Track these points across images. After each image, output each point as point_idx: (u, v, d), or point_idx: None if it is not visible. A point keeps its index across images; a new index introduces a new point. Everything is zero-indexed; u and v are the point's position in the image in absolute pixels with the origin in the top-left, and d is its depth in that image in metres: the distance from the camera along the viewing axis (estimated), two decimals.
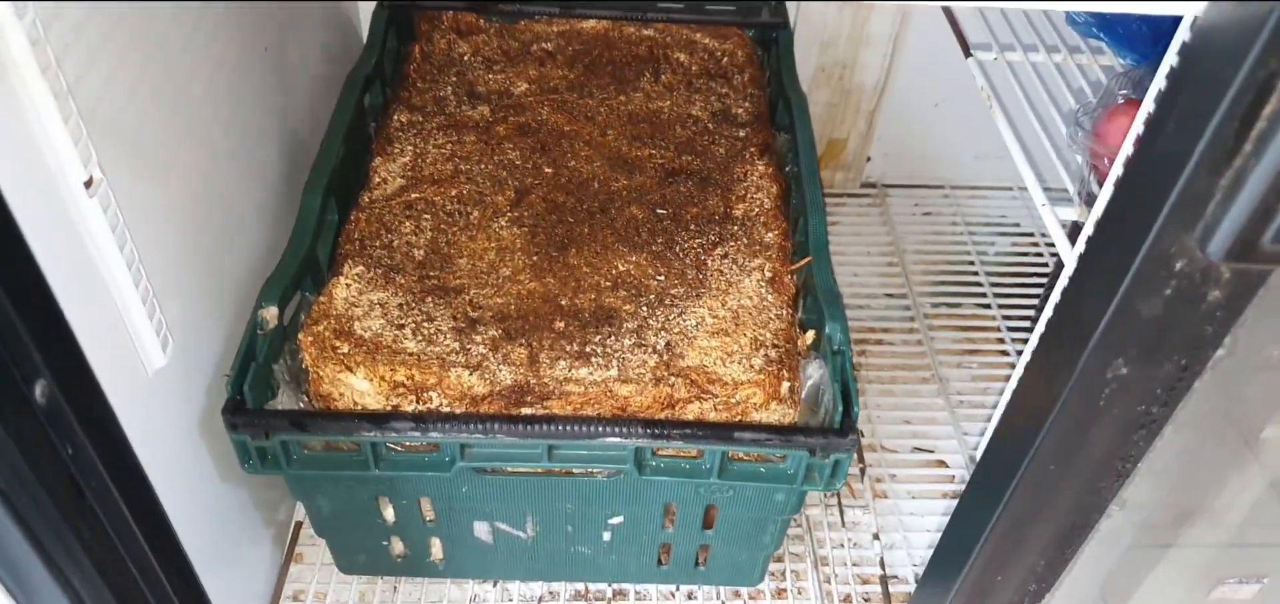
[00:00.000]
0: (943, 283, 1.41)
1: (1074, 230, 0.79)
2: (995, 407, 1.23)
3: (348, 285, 0.91)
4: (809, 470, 0.80)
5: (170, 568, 0.70)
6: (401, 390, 0.84)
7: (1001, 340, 1.32)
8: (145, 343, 0.70)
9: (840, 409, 0.79)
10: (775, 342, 0.86)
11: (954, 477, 1.16)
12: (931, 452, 1.19)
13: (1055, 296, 0.73)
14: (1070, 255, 0.73)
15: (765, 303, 0.90)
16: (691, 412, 0.83)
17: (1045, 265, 1.42)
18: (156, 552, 0.68)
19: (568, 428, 0.78)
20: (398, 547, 0.98)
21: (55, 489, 0.55)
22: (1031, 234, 1.48)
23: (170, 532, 0.71)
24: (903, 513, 1.13)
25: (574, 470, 0.86)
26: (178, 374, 0.78)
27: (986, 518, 0.64)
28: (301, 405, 0.87)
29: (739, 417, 0.83)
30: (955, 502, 1.14)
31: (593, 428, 0.78)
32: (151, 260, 0.70)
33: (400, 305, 0.90)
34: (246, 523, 0.98)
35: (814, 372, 0.85)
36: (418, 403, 0.84)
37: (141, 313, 0.68)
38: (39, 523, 0.54)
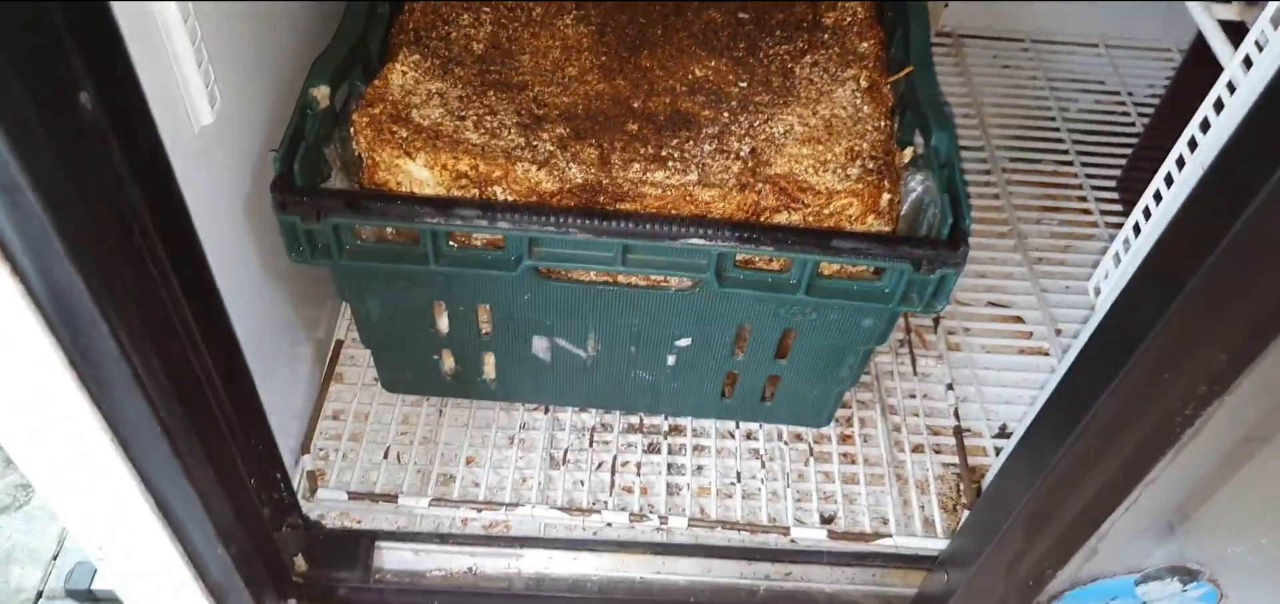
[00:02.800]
0: (1022, 138, 1.31)
1: (1239, 32, 0.69)
2: (1077, 266, 1.16)
3: (404, 72, 0.83)
4: (908, 289, 0.73)
5: (215, 345, 0.65)
6: (464, 182, 0.77)
7: (1084, 198, 1.24)
8: (193, 92, 0.62)
9: (950, 220, 0.71)
10: (873, 152, 0.78)
11: (1031, 333, 1.10)
12: (1008, 307, 1.12)
13: (1209, 112, 0.65)
14: (1233, 62, 0.64)
15: (861, 113, 0.82)
16: (779, 222, 0.76)
17: (1131, 124, 1.33)
18: (202, 324, 0.62)
19: (648, 226, 0.71)
20: (449, 363, 0.92)
21: (101, 217, 0.49)
22: (1117, 92, 1.38)
23: (219, 302, 0.65)
24: (977, 366, 1.06)
25: (643, 281, 0.79)
26: (226, 141, 0.71)
27: (1118, 362, 0.56)
28: None
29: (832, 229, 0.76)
30: (1032, 358, 1.08)
31: (675, 227, 0.71)
32: (202, 10, 0.63)
33: (460, 97, 0.82)
34: (287, 334, 0.92)
35: (916, 185, 0.77)
36: (481, 196, 0.77)
37: (190, 57, 0.61)
38: (85, 253, 0.48)
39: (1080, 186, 1.25)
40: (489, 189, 0.77)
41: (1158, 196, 0.68)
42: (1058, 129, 1.32)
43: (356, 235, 0.76)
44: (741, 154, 0.79)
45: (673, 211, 0.76)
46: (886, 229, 0.77)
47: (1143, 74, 1.40)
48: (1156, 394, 0.50)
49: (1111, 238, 1.17)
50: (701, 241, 0.71)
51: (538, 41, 0.89)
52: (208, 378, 0.65)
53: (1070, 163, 1.28)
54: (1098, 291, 0.76)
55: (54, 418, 0.54)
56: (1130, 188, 1.21)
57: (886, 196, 0.76)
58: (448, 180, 0.77)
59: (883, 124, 0.81)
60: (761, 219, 0.76)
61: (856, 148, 0.79)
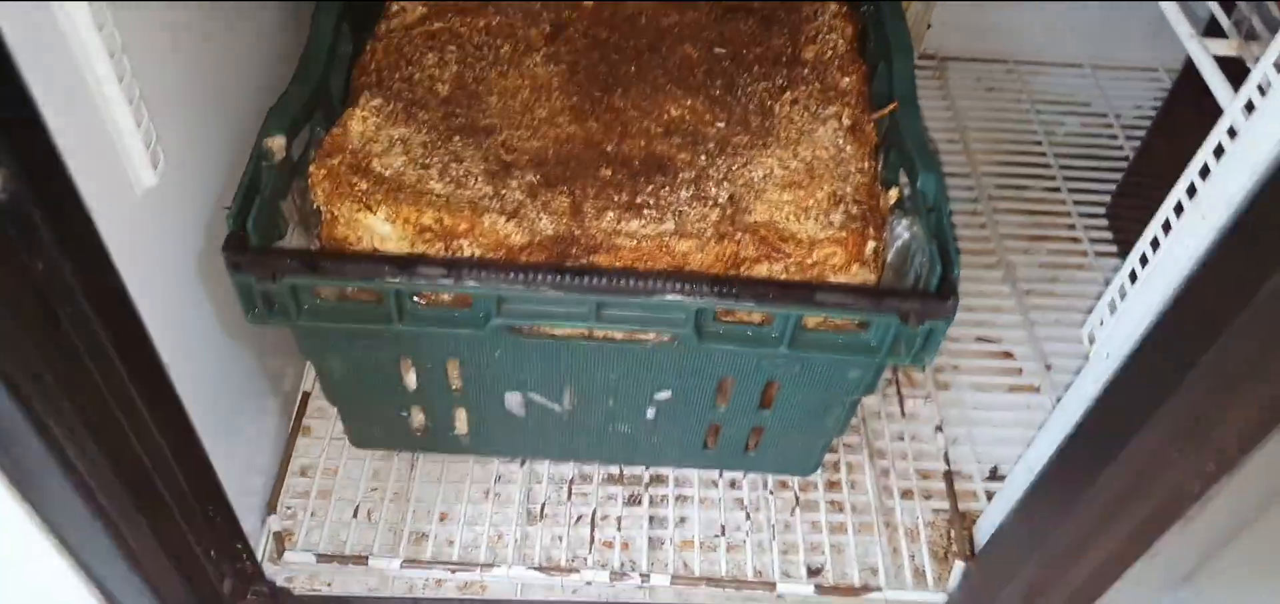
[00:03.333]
0: (1008, 163, 1.29)
1: (1236, 68, 0.66)
2: (1066, 297, 1.13)
3: (365, 118, 0.79)
4: (896, 341, 0.70)
5: (163, 420, 0.61)
6: (428, 236, 0.73)
7: (1072, 226, 1.21)
8: (133, 155, 0.59)
9: (938, 270, 0.68)
10: (856, 196, 0.75)
11: (1021, 370, 1.07)
12: (997, 342, 1.09)
13: (1208, 158, 0.61)
14: (1233, 105, 0.60)
15: (844, 154, 0.79)
16: (759, 272, 0.73)
17: (1119, 147, 1.30)
18: (148, 401, 0.58)
19: (623, 281, 0.67)
20: (418, 418, 0.88)
21: (21, 309, 0.45)
22: (1104, 115, 1.35)
23: (164, 376, 0.61)
24: (966, 406, 1.03)
25: (621, 335, 0.76)
26: (171, 201, 0.67)
27: (1123, 438, 0.53)
28: (313, 249, 0.76)
29: (815, 279, 0.73)
30: (1023, 395, 1.05)
31: (652, 282, 0.67)
32: (141, 63, 0.59)
33: (424, 143, 0.78)
34: (250, 389, 0.88)
35: (902, 231, 0.74)
36: (447, 250, 0.73)
37: (127, 116, 0.57)
38: (6, 355, 0.44)
39: (1068, 214, 1.22)
40: (455, 243, 0.73)
41: (1155, 243, 0.65)
42: (1044, 153, 1.30)
43: (315, 294, 0.72)
44: (719, 201, 0.76)
45: (649, 263, 0.72)
46: (872, 277, 0.74)
47: (1130, 96, 1.38)
48: (1167, 469, 0.47)
49: (1100, 267, 1.15)
50: (680, 296, 0.67)
51: (506, 82, 0.85)
52: (157, 457, 0.61)
53: (1057, 189, 1.25)
54: (1092, 340, 0.72)
55: None
56: (1120, 216, 1.19)
57: (871, 244, 0.73)
58: (411, 234, 0.73)
59: (866, 165, 0.78)
60: (742, 270, 0.73)
61: (839, 192, 0.75)
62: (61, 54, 0.52)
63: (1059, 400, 0.76)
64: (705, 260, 0.72)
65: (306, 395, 1.00)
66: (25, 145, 0.45)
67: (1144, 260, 0.66)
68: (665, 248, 0.73)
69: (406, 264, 0.67)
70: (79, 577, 0.56)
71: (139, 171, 0.60)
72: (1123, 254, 1.16)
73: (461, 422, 0.88)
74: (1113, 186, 1.22)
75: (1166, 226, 0.64)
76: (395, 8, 0.91)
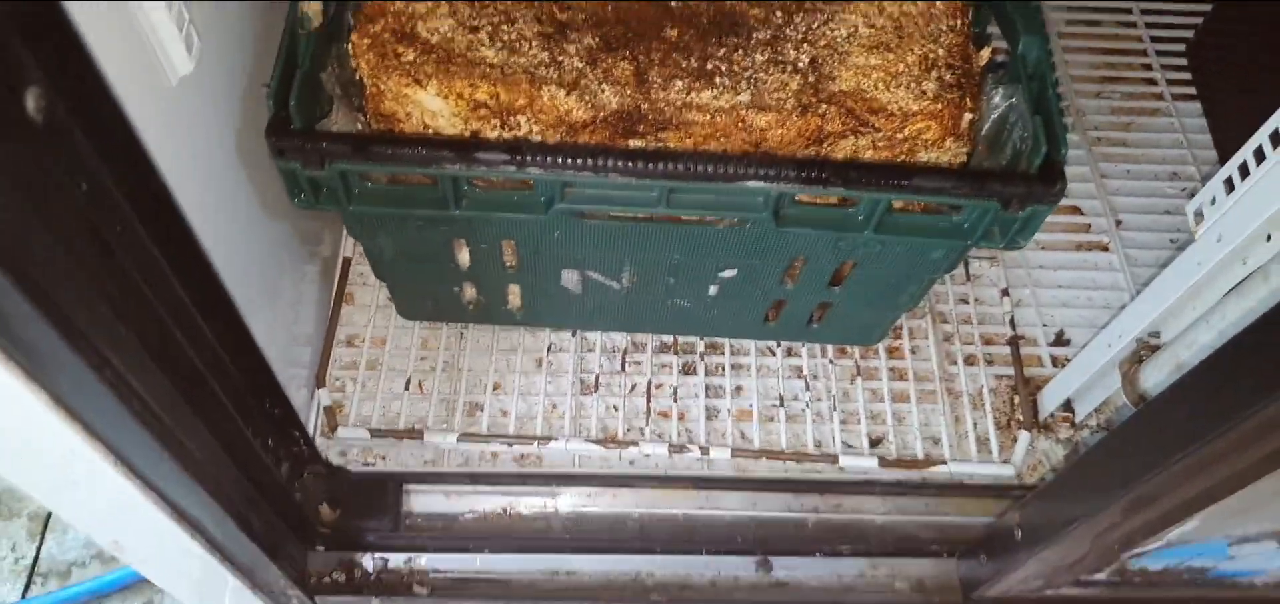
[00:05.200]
0: None
1: None
2: (1140, 146, 1.07)
3: None
4: (991, 225, 0.65)
5: (219, 325, 0.57)
6: (483, 112, 0.67)
7: (1149, 66, 1.13)
8: (166, 42, 0.52)
9: (1043, 149, 0.63)
10: (950, 60, 0.68)
11: (1089, 226, 1.02)
12: (1064, 197, 1.03)
13: None
14: None
15: (934, 10, 0.71)
16: (844, 148, 0.67)
17: None
18: (202, 307, 0.54)
19: (699, 167, 0.62)
20: (470, 293, 0.85)
21: (72, 242, 0.41)
22: None
23: (215, 280, 0.57)
24: (1032, 266, 0.99)
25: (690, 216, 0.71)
26: (206, 84, 0.61)
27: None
28: (360, 126, 0.70)
29: (905, 156, 0.67)
30: (1091, 254, 1.01)
31: (730, 167, 0.62)
32: None
33: (471, 2, 0.71)
34: (289, 258, 0.84)
35: (1000, 101, 0.68)
36: (503, 128, 0.68)
37: (160, 5, 0.50)
38: (57, 290, 0.40)
39: (1145, 52, 1.14)
40: (512, 118, 0.67)
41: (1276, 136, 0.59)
42: None
43: (366, 178, 0.67)
44: (799, 65, 0.69)
45: (723, 139, 0.67)
46: (965, 151, 0.68)
47: None
48: None
49: (1178, 114, 1.08)
50: (763, 183, 0.62)
51: None
52: (214, 362, 0.58)
53: (1134, 24, 1.16)
54: (1199, 217, 0.68)
55: (44, 446, 0.47)
56: (1203, 58, 1.10)
57: (968, 116, 0.67)
58: (464, 110, 0.67)
59: (959, 23, 0.71)
60: (825, 145, 0.67)
61: (931, 54, 0.69)
62: None
63: (1142, 286, 0.72)
64: (786, 135, 0.67)
65: (347, 261, 0.97)
66: (59, 56, 0.39)
67: (1275, 139, 0.60)
68: (741, 122, 0.67)
69: (465, 149, 0.62)
70: (138, 487, 0.54)
71: (174, 59, 0.54)
72: (1203, 98, 1.09)
73: (515, 296, 0.85)
74: (1196, 23, 1.13)
75: None
76: None
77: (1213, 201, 0.65)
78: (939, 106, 0.66)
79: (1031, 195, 0.62)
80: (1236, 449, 0.49)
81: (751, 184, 0.62)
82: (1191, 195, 1.02)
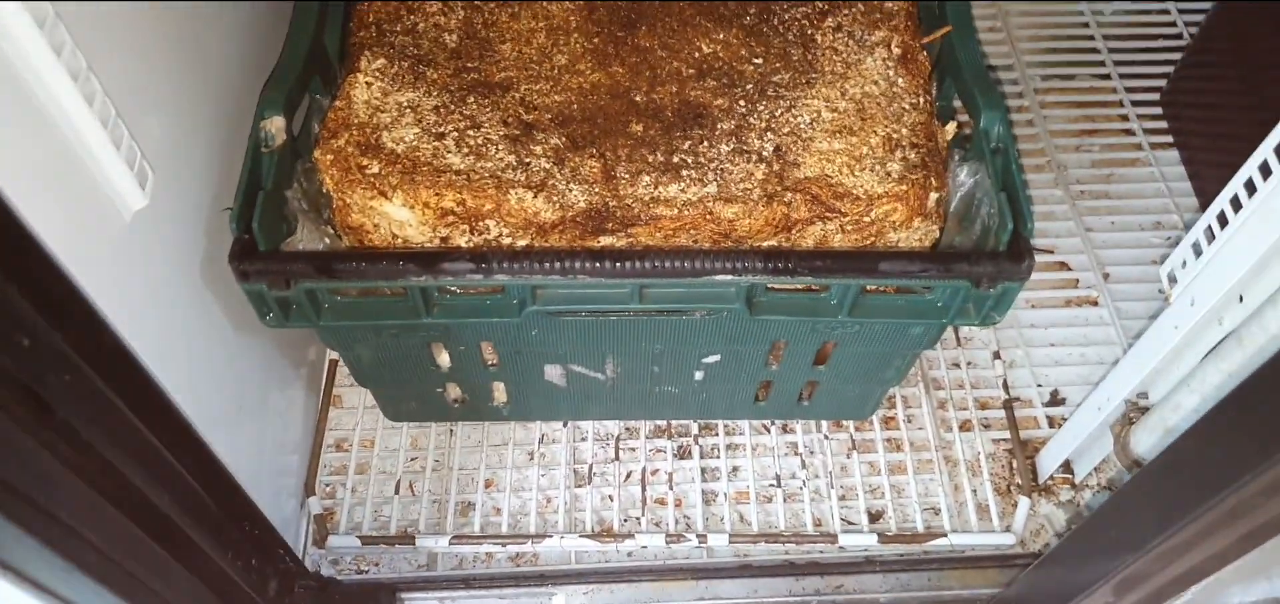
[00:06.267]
0: (1053, 51, 1.20)
1: None
2: (1122, 197, 1.06)
3: (368, 83, 0.72)
4: (965, 302, 0.65)
5: (188, 458, 0.57)
6: (450, 219, 0.67)
7: (1125, 117, 1.13)
8: (116, 182, 0.53)
9: (1010, 226, 0.62)
10: (914, 139, 0.69)
11: (1077, 281, 1.01)
12: (1051, 252, 1.03)
13: None
14: None
15: (896, 88, 0.72)
16: (812, 234, 0.67)
17: (1172, 24, 1.21)
18: (169, 443, 0.54)
19: (666, 263, 0.61)
20: (454, 392, 0.84)
21: (6, 405, 0.40)
22: None
23: (178, 415, 0.57)
24: (1023, 325, 0.98)
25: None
26: (165, 213, 0.61)
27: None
28: (326, 241, 0.70)
29: (873, 238, 0.67)
30: (1081, 310, 1.00)
31: (698, 262, 0.61)
32: (111, 68, 0.52)
33: (436, 107, 0.72)
34: (273, 370, 0.84)
35: (965, 178, 0.68)
36: (472, 234, 0.68)
37: (104, 141, 0.51)
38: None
39: (1121, 103, 1.14)
40: (480, 222, 0.68)
41: (1250, 186, 0.58)
42: (1093, 38, 1.20)
43: (336, 293, 0.67)
44: (764, 154, 0.69)
45: (692, 232, 0.67)
46: (935, 229, 0.68)
47: None
48: None
49: (1156, 161, 1.07)
50: (731, 276, 0.62)
51: (518, 24, 0.78)
52: (186, 499, 0.57)
53: (1108, 76, 1.17)
54: (1172, 280, 0.67)
55: None
56: (1177, 104, 1.10)
57: (934, 195, 0.66)
58: (432, 219, 0.67)
59: (922, 100, 0.71)
60: (793, 232, 0.67)
61: (895, 134, 0.69)
62: (13, 90, 0.45)
63: (1134, 338, 0.71)
64: (753, 225, 0.67)
65: (334, 363, 0.96)
66: None
67: (1236, 204, 0.59)
68: (709, 214, 0.67)
69: (431, 261, 0.62)
70: None
71: (126, 197, 0.54)
72: (1180, 146, 1.09)
73: (500, 393, 0.84)
74: (1168, 70, 1.14)
75: (1266, 169, 0.57)
76: None
77: (1183, 264, 0.65)
78: (904, 188, 0.66)
79: (1001, 273, 0.61)
80: (1226, 523, 0.47)
81: (719, 278, 0.62)
82: (1175, 244, 1.02)
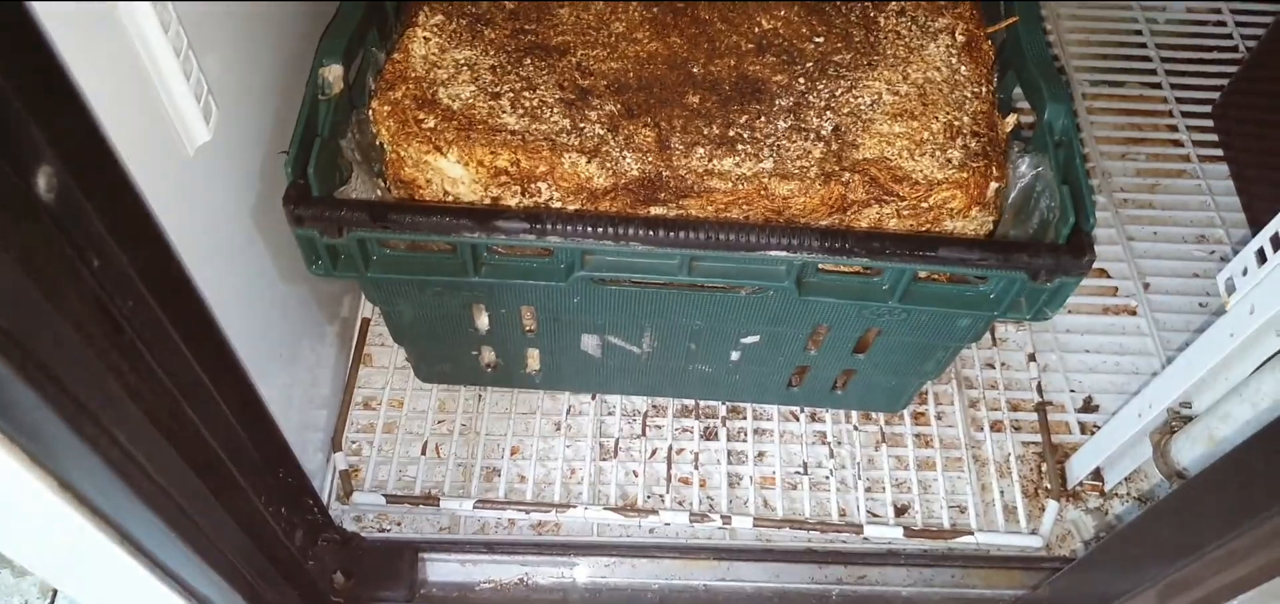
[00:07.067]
0: (1103, 56, 1.18)
1: None
2: (1166, 209, 1.05)
3: (426, 39, 0.72)
4: (1018, 295, 0.64)
5: (234, 398, 0.56)
6: (504, 179, 0.67)
7: (1174, 127, 1.12)
8: (185, 112, 0.52)
9: (1071, 219, 0.61)
10: (975, 127, 0.68)
11: (1116, 289, 1.00)
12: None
13: None
14: None
15: (958, 76, 0.71)
16: (868, 216, 0.66)
17: (1229, 36, 1.19)
18: (217, 381, 0.54)
19: (720, 236, 0.61)
20: (488, 356, 0.84)
21: (82, 322, 0.40)
22: None
23: (229, 352, 0.56)
24: (1058, 330, 0.97)
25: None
26: (223, 151, 0.60)
27: None
28: (379, 192, 0.70)
29: (930, 224, 0.66)
30: (1119, 318, 0.99)
31: (752, 236, 0.61)
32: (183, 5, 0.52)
33: (493, 67, 0.71)
34: (308, 320, 0.84)
35: (1026, 169, 0.67)
36: (524, 195, 0.67)
37: (176, 73, 0.50)
38: (65, 372, 0.39)
39: (1170, 113, 1.13)
40: (532, 185, 0.67)
41: None
42: (1145, 45, 1.19)
43: (384, 245, 0.66)
44: (823, 133, 0.68)
45: (746, 207, 0.66)
46: (991, 219, 0.67)
47: None
48: None
49: (1205, 175, 1.06)
50: (786, 253, 0.61)
51: None
52: (227, 437, 0.57)
53: (1158, 85, 1.15)
54: (1230, 289, 0.66)
55: (49, 529, 0.47)
56: (1230, 118, 1.09)
57: (994, 185, 0.65)
58: (485, 177, 0.67)
59: (984, 90, 0.70)
60: (849, 213, 0.66)
61: (956, 122, 0.68)
62: (102, 20, 0.45)
63: (1173, 350, 0.70)
64: (809, 203, 0.66)
65: (366, 321, 0.96)
66: (72, 134, 0.39)
67: None
68: (763, 190, 0.66)
69: (485, 218, 0.61)
70: (146, 568, 0.53)
71: (192, 129, 0.54)
72: (1230, 161, 1.08)
73: (534, 360, 0.84)
74: (1222, 84, 1.12)
75: None
76: None
77: (1244, 272, 0.64)
78: (964, 175, 0.65)
79: (1059, 267, 0.60)
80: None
81: (773, 254, 0.61)
82: (1220, 259, 1.01)
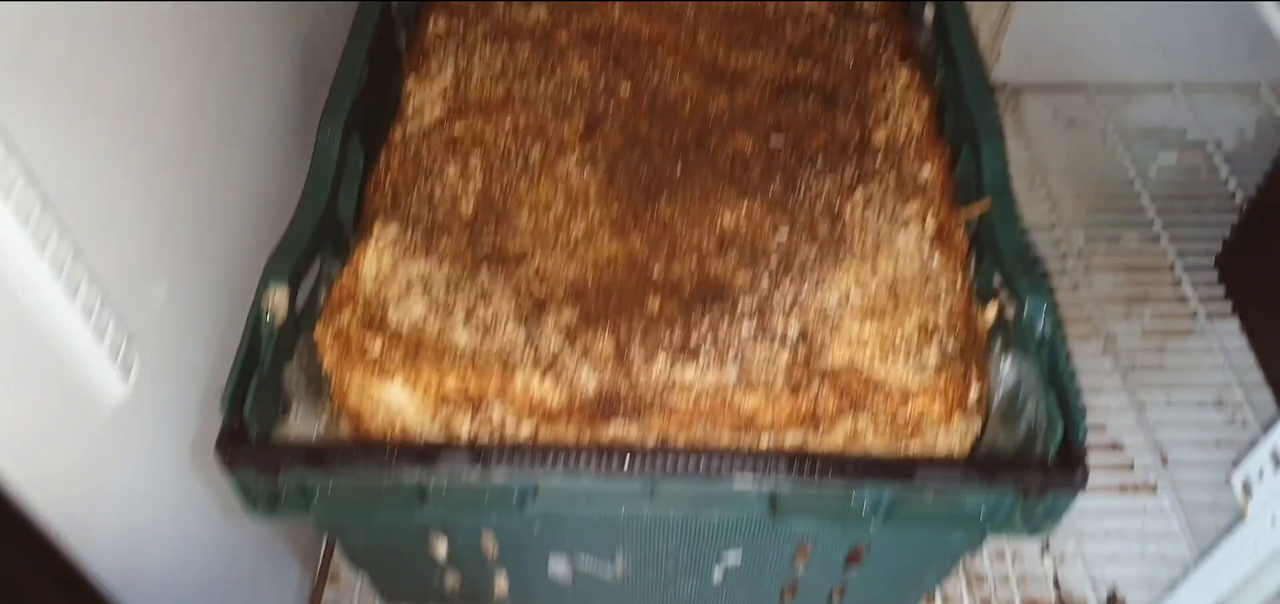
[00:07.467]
0: (1097, 210, 1.15)
1: None
2: (1177, 371, 0.99)
3: (379, 256, 0.69)
4: (1011, 512, 0.58)
5: None
6: (452, 403, 0.63)
7: (1177, 282, 1.07)
8: (94, 371, 0.49)
9: (1059, 431, 0.56)
10: (951, 326, 0.64)
11: (1132, 464, 0.94)
12: (1101, 429, 0.96)
13: None
14: None
15: (930, 268, 0.67)
16: (843, 428, 0.62)
17: (1224, 182, 1.16)
18: None
19: (678, 462, 0.56)
20: (453, 581, 0.78)
21: None
22: (1202, 143, 1.21)
23: None
24: (1073, 513, 0.90)
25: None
26: (153, 399, 0.57)
27: None
28: (324, 422, 0.66)
29: (910, 435, 0.61)
30: (1138, 497, 0.92)
31: (714, 462, 0.56)
32: (98, 242, 0.49)
33: (447, 279, 0.69)
34: (264, 550, 0.79)
35: (1008, 373, 0.62)
36: (474, 419, 0.63)
37: (84, 332, 0.47)
38: None
39: (1171, 266, 1.09)
40: (484, 407, 0.63)
41: None
42: (1139, 196, 1.16)
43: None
44: (789, 337, 0.64)
45: (709, 423, 0.62)
46: (975, 425, 0.62)
47: (1229, 120, 1.23)
48: None
49: (1215, 332, 1.01)
50: (751, 482, 0.56)
51: (537, 193, 0.75)
52: None
53: (1157, 238, 1.12)
54: (1247, 490, 0.60)
55: None
56: (1234, 268, 1.04)
57: (974, 391, 0.61)
58: (432, 403, 0.63)
59: (959, 281, 0.66)
60: (820, 427, 0.61)
61: (931, 321, 0.64)
62: None
63: (1201, 538, 0.64)
64: (776, 416, 0.61)
65: (331, 539, 0.91)
66: None
67: None
68: (727, 403, 0.62)
69: (427, 455, 0.57)
70: None
71: (107, 388, 0.50)
72: (1241, 314, 1.03)
73: (501, 584, 0.78)
74: (1224, 232, 1.08)
75: None
76: (411, 107, 0.81)
77: (1260, 474, 0.58)
78: (943, 382, 0.60)
79: (1050, 483, 0.55)
80: None
81: (738, 484, 0.56)
82: (1242, 423, 0.95)
